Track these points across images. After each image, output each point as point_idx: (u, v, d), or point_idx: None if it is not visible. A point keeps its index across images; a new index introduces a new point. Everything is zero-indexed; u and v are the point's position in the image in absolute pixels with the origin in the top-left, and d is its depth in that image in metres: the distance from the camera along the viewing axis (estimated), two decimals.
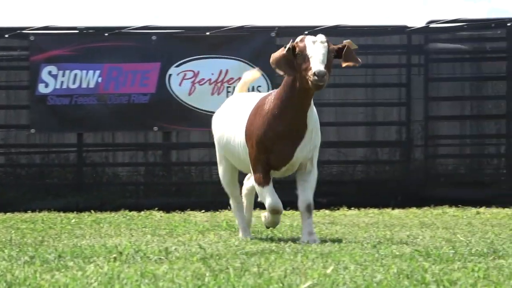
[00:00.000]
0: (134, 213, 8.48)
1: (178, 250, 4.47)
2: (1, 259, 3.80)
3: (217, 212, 8.68)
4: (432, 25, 9.56)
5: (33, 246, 4.72)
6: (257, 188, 4.78)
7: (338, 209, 8.81)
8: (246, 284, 2.70)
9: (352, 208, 7.90)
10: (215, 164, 9.34)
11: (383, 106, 10.13)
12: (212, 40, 9.40)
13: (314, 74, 4.34)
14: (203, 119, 9.00)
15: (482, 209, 8.46)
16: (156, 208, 8.70)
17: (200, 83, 9.17)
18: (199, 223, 7.04)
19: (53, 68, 8.97)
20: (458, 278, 2.80)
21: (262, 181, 4.66)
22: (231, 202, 5.49)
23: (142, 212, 8.53)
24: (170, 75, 9.15)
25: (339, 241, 4.98)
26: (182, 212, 8.68)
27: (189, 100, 9.16)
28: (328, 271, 3.20)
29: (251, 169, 4.83)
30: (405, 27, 9.51)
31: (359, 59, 4.70)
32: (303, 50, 4.50)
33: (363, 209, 9.01)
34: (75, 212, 8.31)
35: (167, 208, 8.78)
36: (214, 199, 9.02)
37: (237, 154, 5.01)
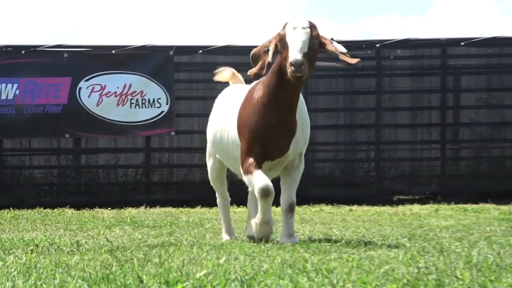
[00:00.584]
0: (49, 210, 8.69)
1: (88, 243, 4.52)
2: None
3: (122, 210, 8.88)
4: None
5: None
6: (246, 178, 4.22)
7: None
8: (148, 273, 2.69)
9: (241, 206, 7.63)
10: (121, 166, 10.09)
11: None
12: (117, 58, 9.71)
13: (291, 64, 3.83)
14: (110, 127, 9.62)
15: (354, 207, 8.89)
16: (68, 206, 8.90)
17: (107, 95, 9.48)
18: (106, 219, 7.22)
19: None
20: (335, 267, 2.85)
21: (252, 168, 4.15)
22: (217, 198, 4.99)
23: (56, 210, 8.72)
24: (80, 88, 9.43)
25: None
26: (91, 210, 8.87)
27: (97, 110, 9.46)
28: (221, 261, 3.29)
29: (240, 162, 4.29)
30: None
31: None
32: (283, 37, 3.99)
33: None
34: None
35: (78, 206, 8.99)
36: (120, 198, 9.56)
37: (231, 153, 4.48)
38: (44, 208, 8.91)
